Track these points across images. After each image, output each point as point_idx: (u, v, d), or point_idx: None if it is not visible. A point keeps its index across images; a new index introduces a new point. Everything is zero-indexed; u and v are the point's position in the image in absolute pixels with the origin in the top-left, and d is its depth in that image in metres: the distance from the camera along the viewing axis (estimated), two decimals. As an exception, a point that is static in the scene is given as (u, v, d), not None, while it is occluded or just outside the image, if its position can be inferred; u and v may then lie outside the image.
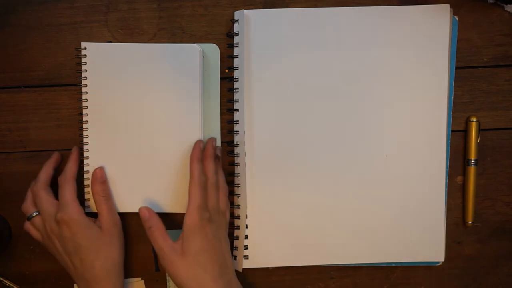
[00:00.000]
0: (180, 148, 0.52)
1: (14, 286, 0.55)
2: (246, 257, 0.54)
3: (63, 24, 0.53)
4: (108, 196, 0.52)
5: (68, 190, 0.50)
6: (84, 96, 0.52)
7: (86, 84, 0.52)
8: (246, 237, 0.54)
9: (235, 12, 0.52)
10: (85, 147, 0.52)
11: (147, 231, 0.49)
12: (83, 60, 0.52)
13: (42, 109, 0.54)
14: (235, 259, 0.54)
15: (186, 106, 0.52)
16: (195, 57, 0.51)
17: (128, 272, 0.56)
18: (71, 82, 0.54)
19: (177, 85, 0.52)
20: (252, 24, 0.51)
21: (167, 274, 0.56)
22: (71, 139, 0.54)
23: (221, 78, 0.53)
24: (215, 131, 0.53)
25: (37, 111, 0.54)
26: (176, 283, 0.48)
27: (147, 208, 0.50)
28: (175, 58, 0.51)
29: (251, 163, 0.53)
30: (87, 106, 0.52)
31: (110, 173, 0.53)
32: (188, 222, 0.48)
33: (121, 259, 0.52)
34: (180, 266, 0.47)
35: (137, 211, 0.50)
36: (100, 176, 0.52)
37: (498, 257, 0.57)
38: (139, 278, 0.56)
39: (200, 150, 0.51)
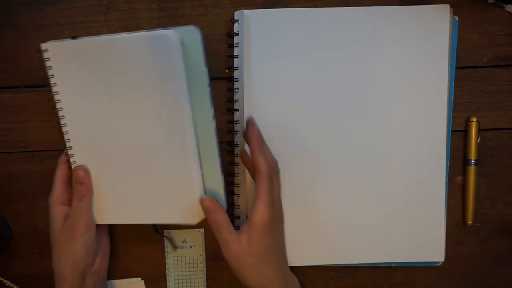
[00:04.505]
0: (170, 151, 0.47)
1: (14, 286, 0.55)
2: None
3: (63, 24, 0.53)
4: (82, 197, 0.49)
5: (57, 173, 0.51)
6: (57, 98, 0.49)
7: (56, 91, 0.48)
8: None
9: (235, 12, 0.52)
10: (69, 152, 0.50)
11: (212, 224, 0.46)
12: (47, 63, 0.48)
13: (42, 109, 0.54)
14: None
15: (170, 106, 0.46)
16: (174, 47, 0.44)
17: (128, 272, 0.56)
18: (71, 82, 0.54)
19: (156, 82, 0.45)
20: (252, 24, 0.51)
21: (167, 274, 0.56)
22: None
23: (221, 78, 0.53)
24: (208, 130, 0.47)
25: (37, 111, 0.54)
26: (239, 278, 0.47)
27: (211, 199, 0.46)
28: (150, 50, 0.44)
29: (251, 163, 0.53)
30: (61, 108, 0.49)
31: (95, 179, 0.50)
32: (258, 220, 0.45)
33: (86, 263, 0.49)
34: (246, 262, 0.46)
35: (120, 222, 0.50)
36: (79, 176, 0.49)
37: (498, 257, 0.57)
38: (139, 278, 0.56)
39: (258, 137, 0.47)
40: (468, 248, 0.57)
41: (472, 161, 0.54)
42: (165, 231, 0.56)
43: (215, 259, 0.56)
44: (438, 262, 0.55)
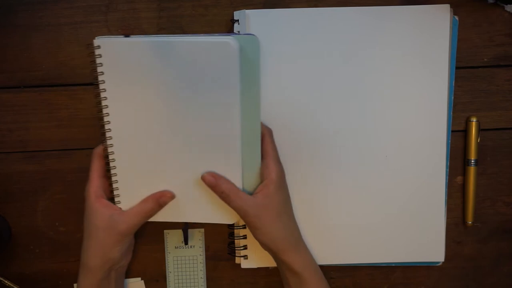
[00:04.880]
0: (216, 157, 0.48)
1: (14, 286, 0.55)
2: (245, 257, 0.54)
3: (63, 24, 0.53)
4: (149, 216, 0.49)
5: (94, 165, 0.50)
6: (103, 96, 0.47)
7: (104, 88, 0.47)
8: (245, 237, 0.54)
9: (235, 12, 0.52)
10: (109, 150, 0.48)
11: (220, 196, 0.48)
12: (98, 60, 0.46)
13: (42, 109, 0.54)
14: (234, 257, 0.54)
15: (222, 112, 0.46)
16: (233, 54, 0.45)
17: (128, 272, 0.56)
18: (71, 82, 0.54)
19: (209, 87, 0.46)
20: (253, 24, 0.51)
21: (167, 274, 0.56)
22: (71, 139, 0.54)
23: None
24: (253, 135, 0.49)
25: (37, 111, 0.54)
26: (264, 236, 0.48)
27: (212, 174, 0.48)
28: (208, 55, 0.45)
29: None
30: (107, 105, 0.47)
31: (136, 181, 0.49)
32: (272, 176, 0.48)
33: (118, 261, 0.50)
34: (266, 218, 0.47)
35: (157, 220, 0.50)
36: (163, 201, 0.49)
37: (498, 257, 0.57)
38: (139, 278, 0.56)
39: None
40: (468, 248, 0.57)
41: (472, 161, 0.54)
42: (167, 230, 0.56)
43: (215, 259, 0.56)
44: (438, 262, 0.55)
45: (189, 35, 0.46)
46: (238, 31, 0.51)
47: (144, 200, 0.49)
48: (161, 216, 0.50)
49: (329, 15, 0.51)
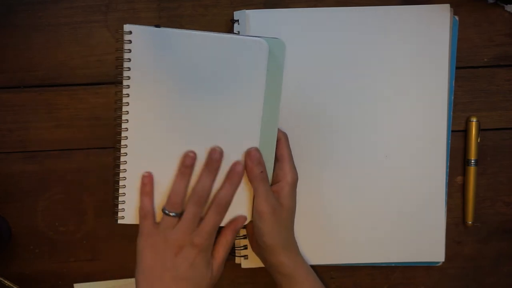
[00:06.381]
0: (233, 154, 0.48)
1: (14, 286, 0.55)
2: (246, 257, 0.54)
3: (63, 24, 0.53)
4: (230, 247, 0.49)
5: (215, 221, 0.47)
6: (125, 91, 0.46)
7: (128, 75, 0.45)
8: (245, 237, 0.54)
9: (235, 12, 0.52)
10: (122, 151, 0.47)
11: (258, 175, 0.47)
12: (126, 46, 0.44)
13: (42, 109, 0.54)
14: (234, 257, 0.54)
15: (245, 111, 0.47)
16: (262, 55, 0.46)
17: (128, 272, 0.56)
18: (71, 82, 0.54)
19: (236, 85, 0.46)
20: (252, 24, 0.51)
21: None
22: (71, 139, 0.54)
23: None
24: (271, 137, 0.49)
25: (37, 111, 0.54)
26: (265, 236, 0.47)
27: (257, 150, 0.48)
28: (239, 53, 0.46)
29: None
30: (128, 103, 0.46)
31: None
32: (289, 178, 0.48)
33: None
34: (278, 217, 0.48)
35: None
36: (237, 227, 0.49)
37: (498, 257, 0.57)
38: (139, 278, 0.56)
39: None
40: (468, 248, 0.57)
41: (472, 161, 0.54)
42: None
43: (215, 259, 0.56)
44: (438, 262, 0.55)
45: (217, 32, 0.46)
46: (238, 31, 0.51)
47: (223, 234, 0.48)
48: None
49: (329, 15, 0.51)
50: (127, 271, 0.56)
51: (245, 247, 0.54)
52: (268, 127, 0.48)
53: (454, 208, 0.56)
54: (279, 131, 0.50)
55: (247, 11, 0.51)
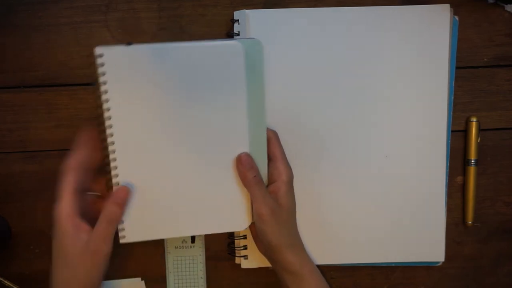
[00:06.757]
0: (223, 161, 0.47)
1: (14, 286, 0.55)
2: (246, 257, 0.54)
3: (63, 24, 0.53)
4: (113, 221, 0.45)
5: (65, 181, 0.44)
6: (106, 106, 0.45)
7: (107, 98, 0.45)
8: (245, 237, 0.54)
9: (235, 12, 0.52)
10: (112, 164, 0.46)
11: (251, 180, 0.47)
12: (100, 70, 0.44)
13: (42, 109, 0.54)
14: (234, 257, 0.54)
15: (230, 116, 0.47)
16: (238, 58, 0.45)
17: (128, 272, 0.56)
18: (71, 82, 0.54)
19: (217, 91, 0.46)
20: (252, 24, 0.51)
21: (167, 274, 0.56)
22: (71, 139, 0.54)
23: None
24: (260, 139, 0.49)
25: (37, 111, 0.54)
26: (270, 235, 0.47)
27: (248, 155, 0.48)
28: (213, 59, 0.45)
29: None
30: (110, 116, 0.45)
31: (141, 194, 0.47)
32: (284, 178, 0.48)
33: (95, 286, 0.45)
34: (279, 217, 0.48)
35: (164, 237, 0.49)
36: (120, 197, 0.45)
37: (498, 257, 0.57)
38: (139, 278, 0.56)
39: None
40: (468, 248, 0.57)
41: (472, 161, 0.54)
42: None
43: (215, 259, 0.56)
44: (438, 262, 0.55)
45: (189, 41, 0.46)
46: (238, 31, 0.51)
47: (104, 208, 0.45)
48: (169, 232, 0.49)
49: (329, 15, 0.51)
50: (127, 271, 0.56)
51: (245, 247, 0.54)
52: (256, 128, 0.48)
53: (454, 208, 0.56)
54: (268, 130, 0.49)
55: (247, 11, 0.51)
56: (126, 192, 0.46)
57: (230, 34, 0.52)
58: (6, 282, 0.55)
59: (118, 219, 0.46)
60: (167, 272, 0.56)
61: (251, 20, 0.51)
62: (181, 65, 0.45)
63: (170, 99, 0.46)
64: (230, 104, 0.46)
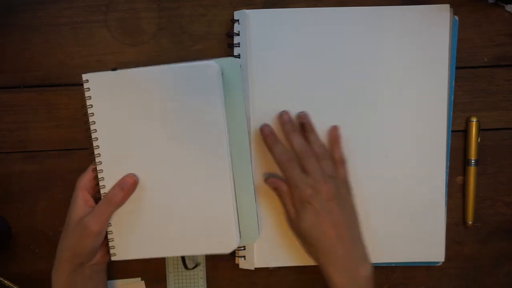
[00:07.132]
0: (206, 181, 0.48)
1: (14, 286, 0.55)
2: (244, 257, 0.54)
3: (63, 24, 0.53)
4: (112, 203, 0.48)
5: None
6: (93, 128, 0.49)
7: (93, 121, 0.48)
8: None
9: (235, 12, 0.52)
10: (101, 183, 0.49)
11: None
12: (87, 94, 0.48)
13: (42, 109, 0.54)
14: (234, 257, 0.54)
15: (210, 135, 0.47)
16: (215, 78, 0.46)
17: (128, 272, 0.56)
18: (71, 82, 0.54)
19: (194, 111, 0.47)
20: (252, 24, 0.51)
21: (167, 274, 0.56)
22: (71, 139, 0.54)
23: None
24: (243, 158, 0.49)
25: (37, 111, 0.54)
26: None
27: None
28: (190, 80, 0.47)
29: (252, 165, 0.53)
30: (98, 146, 0.49)
31: (130, 214, 0.49)
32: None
33: (86, 259, 0.48)
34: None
35: (150, 257, 0.50)
36: (126, 182, 0.48)
37: (498, 257, 0.57)
38: (139, 278, 0.56)
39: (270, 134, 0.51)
40: (468, 248, 0.57)
41: (472, 161, 0.54)
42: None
43: (215, 259, 0.56)
44: (438, 262, 0.55)
45: (168, 64, 0.48)
46: (238, 31, 0.51)
47: (109, 190, 0.48)
48: (155, 252, 0.50)
49: (329, 15, 0.51)
50: (127, 271, 0.56)
51: (244, 248, 0.54)
52: (238, 145, 0.49)
53: (454, 208, 0.56)
54: (274, 154, 0.50)
55: (247, 11, 0.51)
56: (134, 180, 0.48)
57: (230, 34, 0.52)
58: (6, 282, 0.55)
59: (119, 203, 0.48)
60: (167, 272, 0.56)
61: (251, 20, 0.51)
62: (162, 87, 0.47)
63: (151, 120, 0.48)
64: (209, 123, 0.47)
